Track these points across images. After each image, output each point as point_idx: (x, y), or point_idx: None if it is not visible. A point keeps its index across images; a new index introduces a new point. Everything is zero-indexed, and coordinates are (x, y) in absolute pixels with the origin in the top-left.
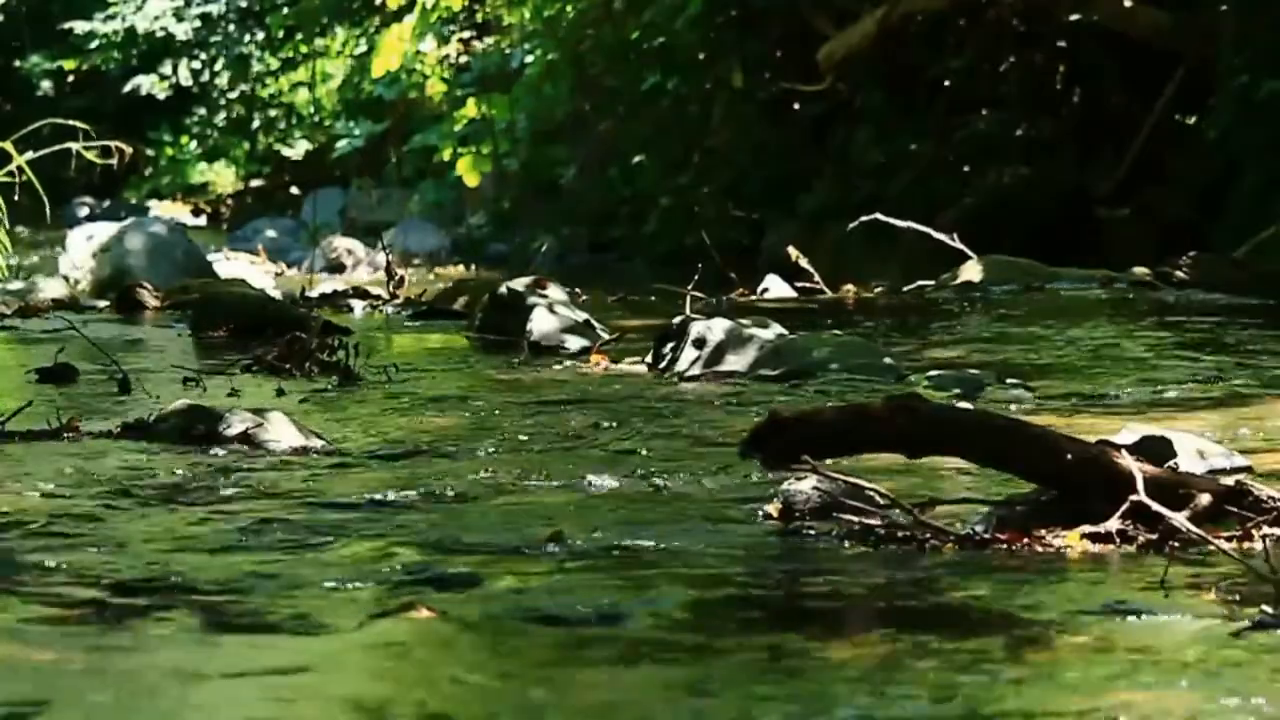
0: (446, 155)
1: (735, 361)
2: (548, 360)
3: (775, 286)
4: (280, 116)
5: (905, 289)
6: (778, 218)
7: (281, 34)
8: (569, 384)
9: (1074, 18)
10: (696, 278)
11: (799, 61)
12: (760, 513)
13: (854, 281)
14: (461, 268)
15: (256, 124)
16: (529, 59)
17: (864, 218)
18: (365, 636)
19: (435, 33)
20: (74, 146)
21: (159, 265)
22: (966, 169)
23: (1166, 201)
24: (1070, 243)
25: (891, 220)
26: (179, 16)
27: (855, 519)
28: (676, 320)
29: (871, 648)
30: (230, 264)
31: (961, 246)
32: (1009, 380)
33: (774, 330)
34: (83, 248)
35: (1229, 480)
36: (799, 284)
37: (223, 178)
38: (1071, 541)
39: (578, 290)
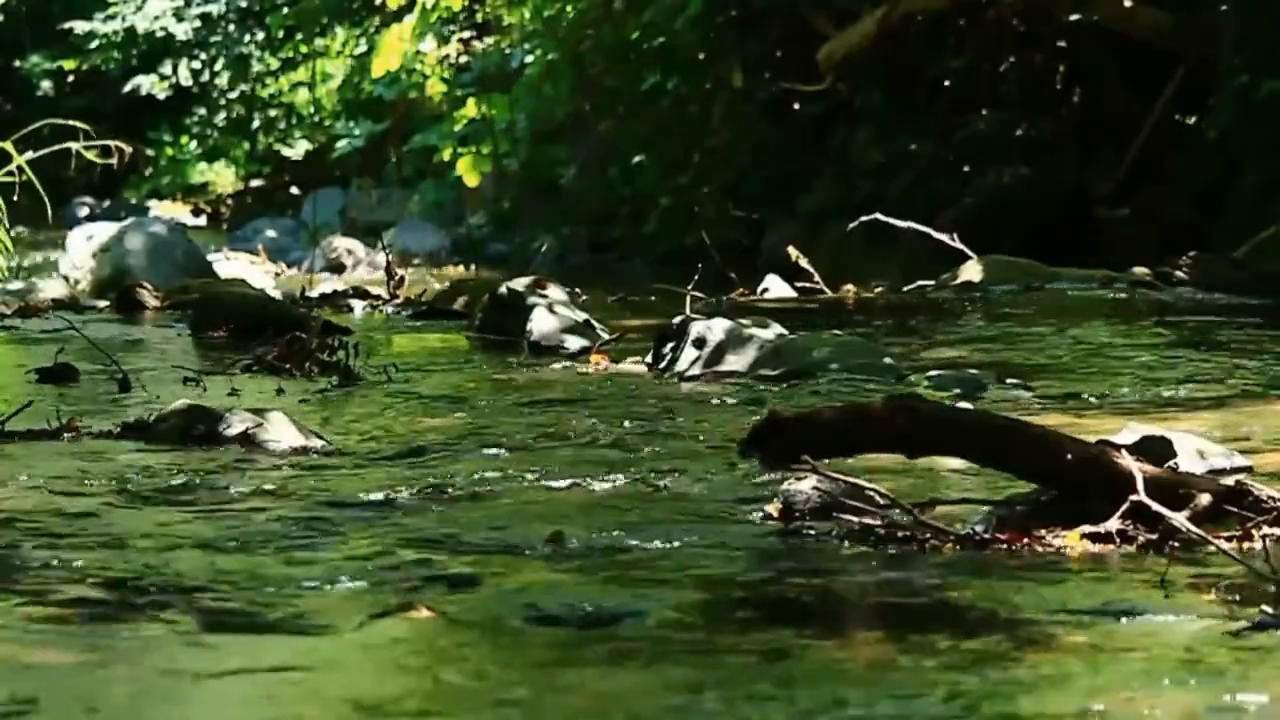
0: (446, 155)
1: (735, 361)
2: (548, 360)
3: (775, 286)
4: (280, 116)
5: (905, 289)
6: (778, 218)
7: (281, 34)
8: (569, 384)
9: (1074, 18)
10: (696, 278)
11: (799, 61)
12: (760, 513)
13: (854, 281)
14: (461, 268)
15: (256, 124)
16: (529, 59)
17: (864, 218)
18: (365, 636)
19: (435, 33)
20: (74, 146)
21: (159, 265)
22: (966, 169)
23: (1166, 201)
24: (1070, 243)
25: (891, 220)
26: (179, 16)
27: (855, 519)
28: (676, 320)
29: (871, 648)
30: (230, 264)
31: (961, 246)
32: (1009, 380)
33: (774, 330)
34: (83, 248)
35: (1229, 480)
36: (799, 284)
37: (223, 178)
38: (1071, 541)
39: (578, 290)
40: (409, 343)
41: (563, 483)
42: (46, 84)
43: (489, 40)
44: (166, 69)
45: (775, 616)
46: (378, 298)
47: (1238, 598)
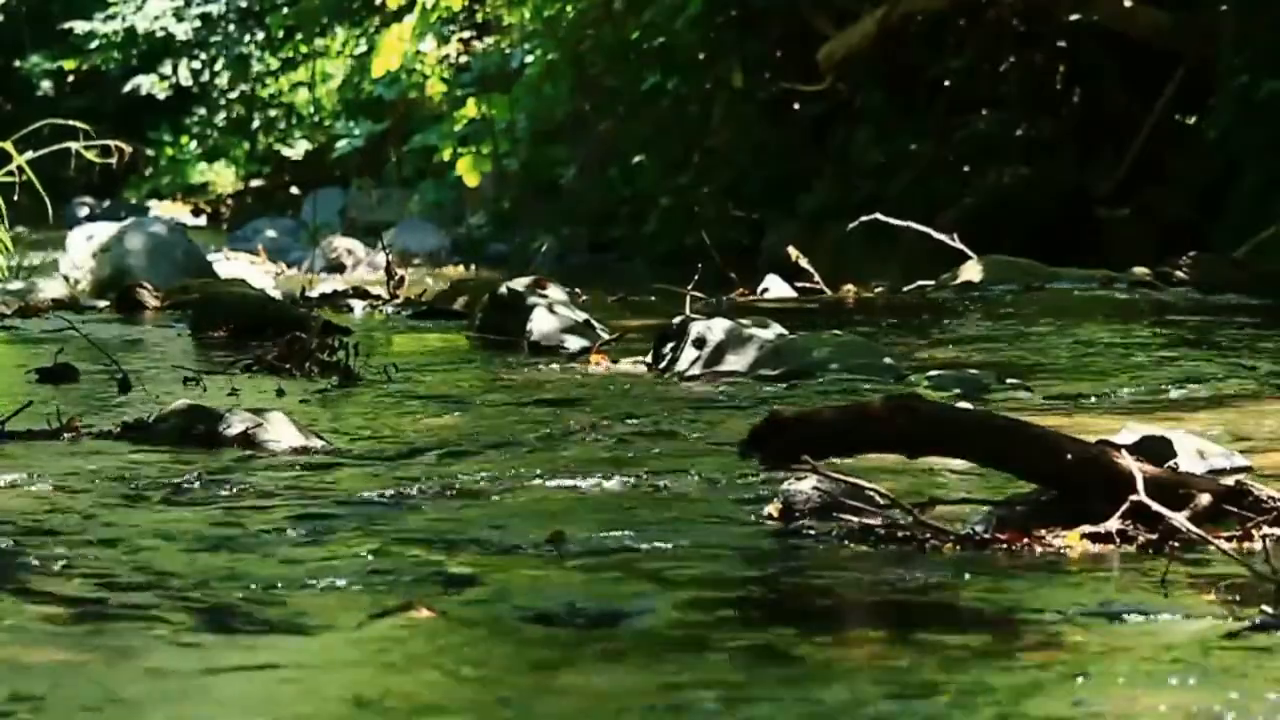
0: (446, 155)
1: (735, 361)
2: (548, 360)
3: (775, 286)
4: (280, 116)
5: (905, 289)
6: (778, 218)
7: (281, 34)
8: (569, 384)
9: (1074, 18)
10: (696, 278)
11: (799, 61)
12: (760, 513)
13: (854, 281)
14: (461, 268)
15: (256, 124)
16: (529, 59)
17: (864, 218)
18: (365, 636)
19: (435, 33)
20: (74, 146)
21: (159, 265)
22: (966, 169)
23: (1166, 201)
24: (1070, 243)
25: (891, 220)
26: (179, 16)
27: (855, 519)
28: (676, 320)
29: (871, 647)
30: (230, 264)
31: (961, 246)
32: (1009, 380)
33: (774, 330)
34: (83, 248)
35: (1229, 480)
36: (799, 284)
37: (223, 178)
38: (1071, 541)
39: (578, 290)
40: (409, 343)
41: (563, 483)
42: (46, 84)
43: (489, 40)
44: (166, 69)
45: (775, 616)
46: (378, 298)
47: (1238, 598)
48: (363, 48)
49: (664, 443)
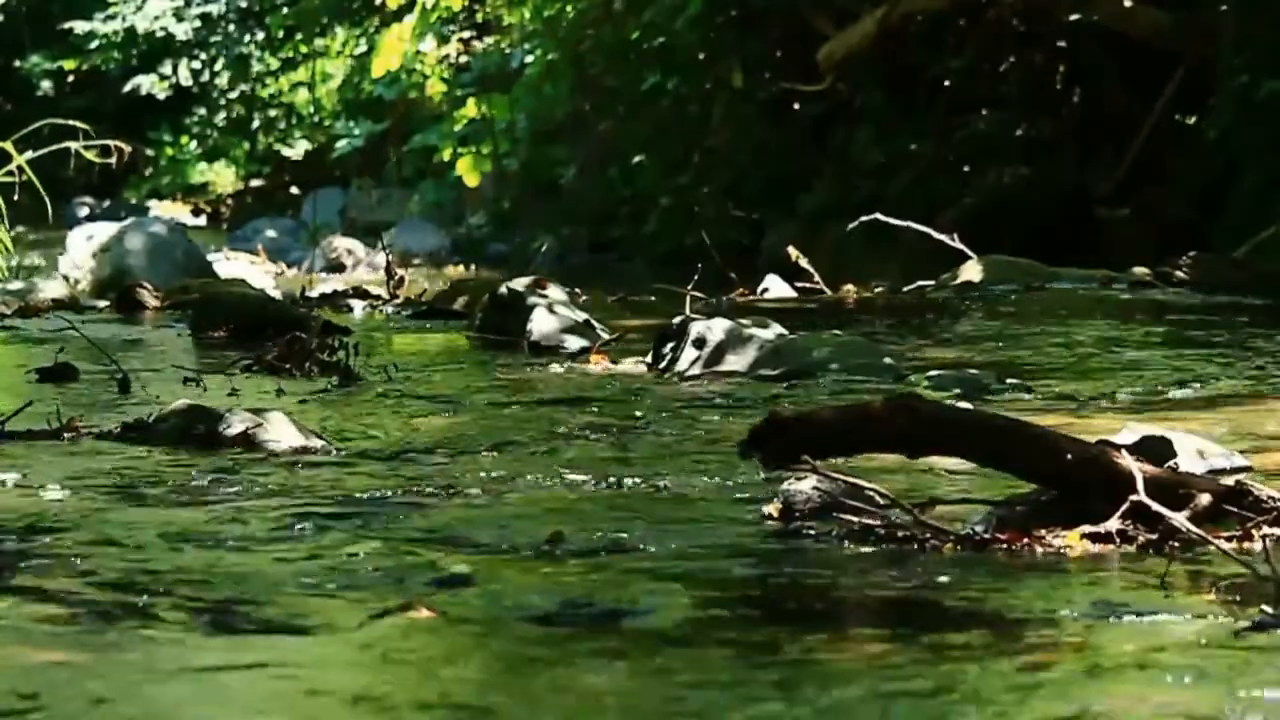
0: (446, 155)
1: (735, 361)
2: (548, 360)
3: (775, 286)
4: (280, 116)
5: (905, 289)
6: (778, 218)
7: (281, 34)
8: (569, 384)
9: (1074, 18)
10: (696, 278)
11: (799, 61)
12: (760, 513)
13: (854, 281)
14: (461, 268)
15: (256, 124)
16: (529, 59)
17: (864, 218)
18: (365, 636)
19: (435, 33)
20: (74, 146)
21: (159, 265)
22: (966, 169)
23: (1166, 201)
24: (1070, 243)
25: (891, 220)
26: (179, 16)
27: (855, 519)
28: (676, 320)
29: (871, 647)
30: (230, 264)
31: (961, 246)
32: (1009, 380)
33: (774, 330)
34: (83, 248)
35: (1229, 480)
36: (799, 284)
37: (223, 178)
38: (1071, 541)
39: (578, 290)
40: (409, 343)
41: (563, 483)
42: (46, 84)
43: (489, 40)
44: (166, 69)
45: (775, 616)
46: (378, 298)
47: (1238, 598)
48: (363, 48)
49: (664, 443)
